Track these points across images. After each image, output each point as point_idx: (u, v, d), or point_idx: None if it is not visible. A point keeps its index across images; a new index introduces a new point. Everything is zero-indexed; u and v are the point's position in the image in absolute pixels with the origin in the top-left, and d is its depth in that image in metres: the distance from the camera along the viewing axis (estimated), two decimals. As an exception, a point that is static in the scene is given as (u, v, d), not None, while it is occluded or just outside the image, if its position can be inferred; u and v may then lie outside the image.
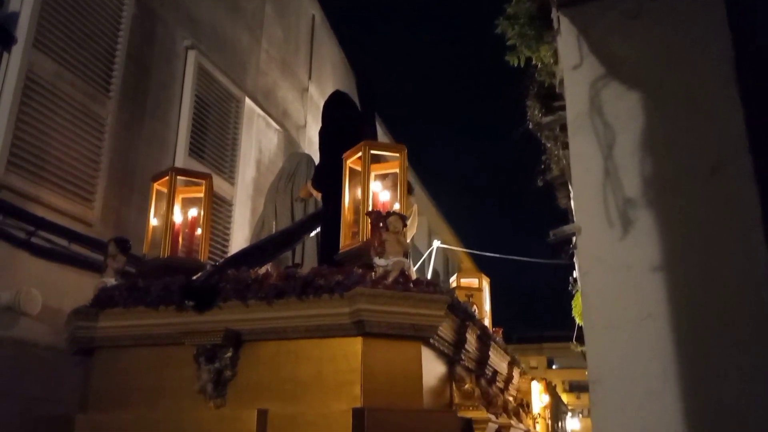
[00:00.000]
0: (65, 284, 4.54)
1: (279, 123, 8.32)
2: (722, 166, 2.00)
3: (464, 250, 17.65)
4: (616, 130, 2.11)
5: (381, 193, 3.61)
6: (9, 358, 4.11)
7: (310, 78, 9.62)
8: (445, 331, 3.19)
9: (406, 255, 3.19)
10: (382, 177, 3.68)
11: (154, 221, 3.80)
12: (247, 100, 7.45)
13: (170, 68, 6.19)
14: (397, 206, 3.59)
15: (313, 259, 4.58)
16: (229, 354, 3.03)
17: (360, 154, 3.55)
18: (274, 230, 4.74)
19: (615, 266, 2.02)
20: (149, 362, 3.19)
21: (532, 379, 7.93)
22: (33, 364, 4.23)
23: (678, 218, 1.99)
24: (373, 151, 3.54)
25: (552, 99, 4.91)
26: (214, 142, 6.70)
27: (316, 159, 4.85)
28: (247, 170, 7.34)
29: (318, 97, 9.77)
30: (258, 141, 7.74)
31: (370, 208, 3.45)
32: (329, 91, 10.13)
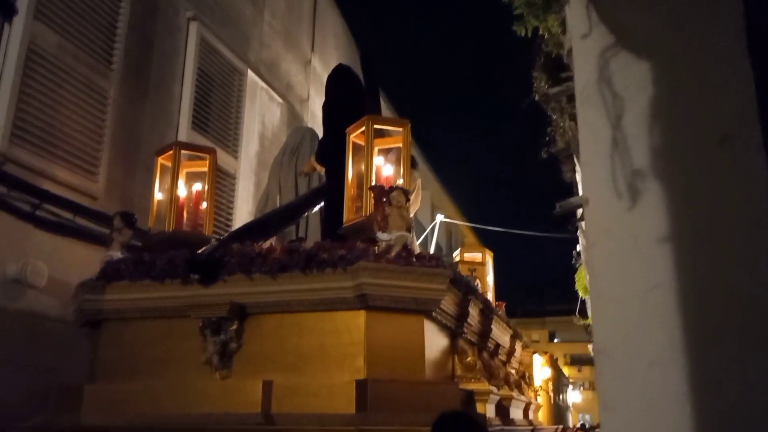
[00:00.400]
0: (71, 257, 4.56)
1: (282, 96, 8.26)
2: (731, 137, 1.99)
3: (467, 224, 17.66)
4: (625, 100, 2.09)
5: (384, 168, 3.62)
6: (18, 329, 4.17)
7: (313, 50, 9.50)
8: (448, 304, 3.23)
9: (408, 229, 3.22)
10: (386, 151, 3.69)
11: (158, 195, 3.82)
12: (250, 73, 7.37)
13: (173, 40, 6.12)
14: (400, 181, 3.61)
15: (316, 233, 4.60)
16: (234, 326, 3.08)
17: (363, 128, 3.55)
18: (278, 204, 4.75)
19: (622, 237, 2.01)
20: (155, 334, 3.25)
21: (534, 352, 8.01)
22: (41, 335, 4.28)
23: (686, 189, 1.99)
24: (376, 126, 3.53)
25: (559, 70, 4.87)
26: (218, 116, 6.65)
27: (320, 133, 4.85)
28: (250, 144, 7.30)
29: (321, 70, 9.66)
30: (261, 114, 7.69)
31: (373, 183, 3.46)
32: (332, 63, 10.06)
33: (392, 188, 3.24)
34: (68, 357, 4.30)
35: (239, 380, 3.02)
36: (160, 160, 3.87)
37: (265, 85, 7.76)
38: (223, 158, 6.48)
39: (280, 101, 8.23)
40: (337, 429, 2.63)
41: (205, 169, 3.83)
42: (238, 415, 2.84)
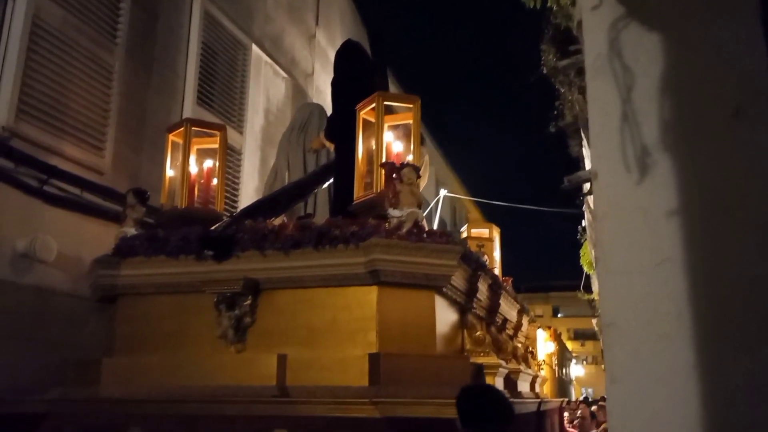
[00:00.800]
0: (79, 232, 4.61)
1: (287, 71, 8.22)
2: (743, 110, 1.96)
3: (472, 198, 17.67)
4: (636, 73, 2.05)
5: (394, 144, 3.65)
6: (27, 304, 4.23)
7: (317, 24, 9.41)
8: (458, 280, 3.29)
9: (419, 206, 3.26)
10: (395, 128, 3.71)
11: (170, 172, 3.86)
12: (255, 48, 7.34)
13: (177, 14, 6.09)
14: (410, 157, 3.64)
15: (324, 209, 4.65)
16: (248, 302, 3.14)
17: (374, 105, 3.57)
18: (286, 181, 4.79)
19: (631, 211, 1.98)
20: (171, 309, 3.32)
21: (538, 327, 8.10)
22: (51, 309, 4.35)
23: (697, 162, 1.96)
24: (386, 103, 3.55)
25: (568, 43, 4.83)
26: (222, 91, 6.65)
27: (328, 109, 4.86)
28: (255, 119, 7.29)
29: (326, 44, 9.58)
30: (266, 89, 7.67)
31: (383, 160, 3.49)
32: (337, 37, 10.01)
33: (403, 165, 3.27)
34: (77, 331, 4.35)
35: (254, 354, 3.10)
36: (171, 137, 3.90)
37: (269, 60, 7.73)
38: (229, 134, 6.49)
39: (285, 76, 8.20)
40: (350, 401, 2.70)
41: (216, 145, 3.85)
42: (254, 387, 2.92)
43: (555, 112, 6.46)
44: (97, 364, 3.28)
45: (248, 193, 6.79)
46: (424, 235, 3.10)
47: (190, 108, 6.05)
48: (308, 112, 5.17)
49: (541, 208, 15.63)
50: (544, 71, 5.42)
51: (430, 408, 2.55)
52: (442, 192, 14.53)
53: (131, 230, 3.49)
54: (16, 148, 4.21)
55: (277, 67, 7.98)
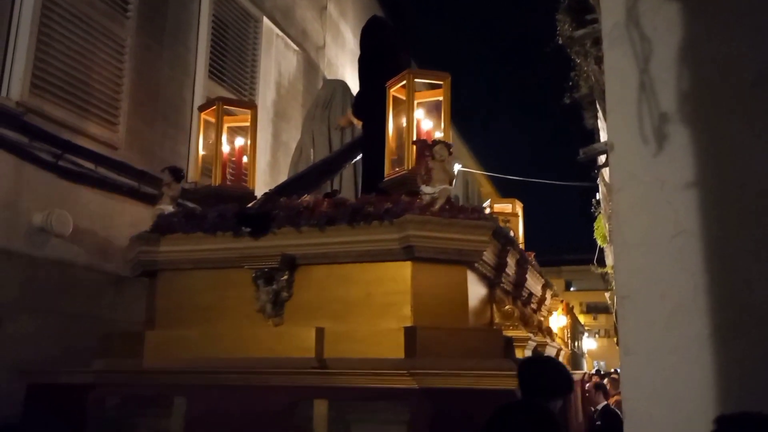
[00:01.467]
0: (94, 206, 4.68)
1: (298, 44, 8.18)
2: (763, 80, 1.93)
3: (484, 173, 17.66)
4: (654, 42, 2.03)
5: (424, 122, 3.70)
6: (46, 277, 4.30)
7: (328, -5, 9.42)
8: (488, 255, 3.38)
9: (451, 182, 3.33)
10: (425, 105, 3.76)
11: (202, 150, 3.94)
12: (266, 20, 7.29)
13: None
14: (439, 134, 3.69)
15: (349, 185, 4.73)
16: (285, 276, 3.25)
17: (404, 82, 3.61)
18: (312, 158, 4.86)
19: (648, 183, 1.99)
20: (209, 284, 3.44)
21: (561, 300, 8.17)
22: (69, 282, 4.43)
23: (715, 133, 1.95)
24: (416, 80, 3.60)
25: (584, 12, 4.78)
26: (234, 64, 6.65)
27: (351, 86, 4.90)
28: (267, 93, 7.28)
29: (337, 17, 9.47)
30: (277, 63, 7.65)
31: (414, 137, 3.55)
32: (348, 9, 9.94)
33: (435, 142, 3.33)
34: (96, 304, 4.51)
35: (291, 327, 3.22)
36: (203, 115, 3.98)
37: (280, 33, 7.68)
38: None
39: (296, 49, 8.15)
40: (388, 373, 2.80)
41: (247, 123, 3.92)
42: (293, 359, 3.04)
43: (570, 83, 6.42)
44: (140, 336, 3.41)
45: (261, 168, 6.82)
46: (457, 211, 3.17)
47: (201, 82, 6.08)
48: (332, 88, 5.23)
49: (555, 182, 15.59)
50: (560, 41, 5.36)
51: (467, 379, 2.66)
52: (456, 166, 14.51)
53: (168, 207, 3.60)
54: (30, 123, 4.24)
55: (289, 40, 7.93)
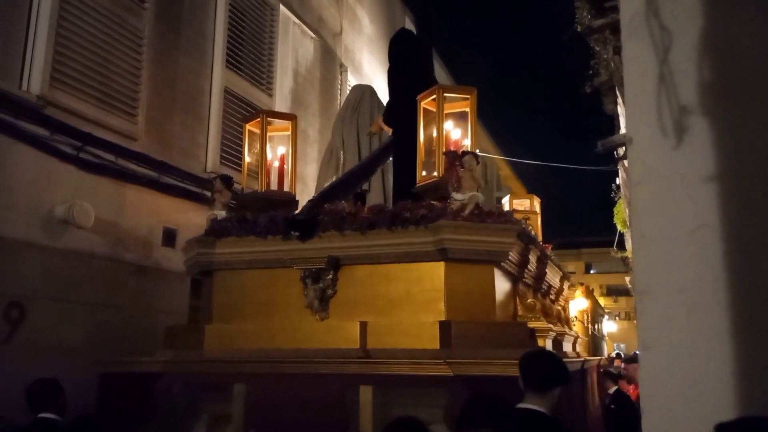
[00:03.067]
0: (115, 197, 4.91)
1: (314, 31, 8.33)
2: None
3: (504, 158, 17.93)
4: (674, 32, 2.00)
5: (452, 132, 4.07)
6: (68, 267, 4.47)
7: (344, -20, 9.47)
8: (513, 254, 3.77)
9: (479, 189, 3.71)
10: (452, 115, 4.12)
11: (248, 158, 4.35)
12: (282, 8, 7.43)
13: None
14: (466, 142, 4.07)
15: (377, 185, 5.15)
16: (330, 276, 3.68)
17: (434, 96, 3.98)
18: (341, 159, 5.24)
19: (668, 176, 1.96)
20: (260, 282, 3.88)
21: (576, 291, 8.50)
22: (91, 273, 4.67)
23: (736, 126, 1.92)
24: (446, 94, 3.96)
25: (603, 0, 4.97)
26: (251, 53, 6.80)
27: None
28: (284, 81, 7.46)
29: (354, 2, 9.63)
30: (294, 50, 7.82)
31: (444, 147, 3.92)
32: (364, -8, 10.00)
33: (464, 153, 3.71)
34: (118, 294, 4.79)
35: (337, 321, 3.66)
36: (248, 126, 4.39)
37: (297, 20, 7.83)
38: (258, 96, 6.78)
39: (313, 36, 8.31)
40: (426, 362, 3.21)
41: (288, 133, 4.32)
42: (341, 350, 3.47)
43: (590, 72, 6.63)
44: (200, 330, 3.86)
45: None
46: (486, 216, 3.55)
47: (219, 71, 6.25)
48: (360, 93, 5.60)
49: (574, 166, 15.81)
50: (579, 29, 5.49)
51: (497, 367, 3.06)
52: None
53: (221, 213, 4.03)
54: (51, 116, 4.39)
55: (305, 27, 8.07)
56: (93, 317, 4.60)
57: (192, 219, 5.57)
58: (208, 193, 5.67)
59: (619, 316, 34.19)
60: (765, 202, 1.88)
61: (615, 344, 27.46)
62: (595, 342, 20.01)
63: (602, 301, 30.76)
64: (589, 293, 18.36)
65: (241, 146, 6.16)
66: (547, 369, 2.62)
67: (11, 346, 4.09)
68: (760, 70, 1.95)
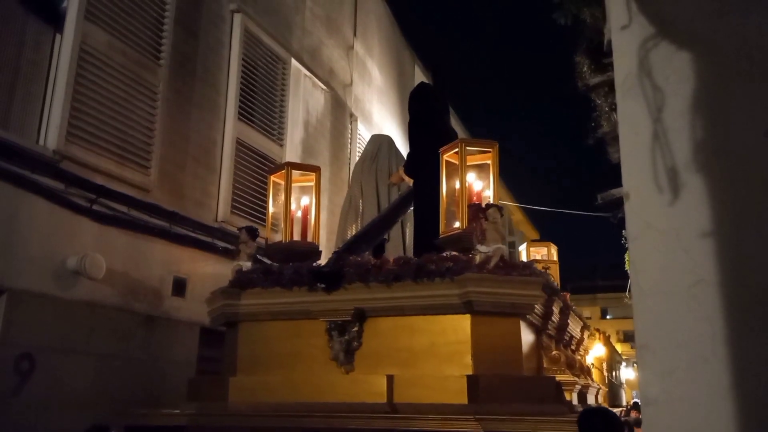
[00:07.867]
0: (127, 248, 5.11)
1: (325, 83, 8.72)
2: None
3: (517, 204, 18.17)
4: (666, 92, 2.10)
5: (474, 184, 4.24)
6: (80, 318, 4.63)
7: (355, 35, 9.92)
8: (537, 306, 3.88)
9: (503, 241, 3.85)
10: (474, 168, 4.30)
11: (272, 209, 4.53)
12: (294, 61, 7.84)
13: (217, 32, 6.57)
14: (488, 192, 4.23)
15: (396, 234, 5.32)
16: (356, 328, 3.82)
17: (456, 149, 4.17)
18: (361, 208, 5.43)
19: (664, 232, 2.03)
20: (286, 334, 4.02)
21: (596, 341, 8.58)
22: (101, 323, 4.83)
23: (730, 183, 2.00)
24: (468, 147, 4.15)
25: (602, 55, 5.19)
26: (263, 105, 7.14)
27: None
28: (295, 132, 7.80)
29: (364, 54, 10.12)
30: (305, 101, 8.16)
31: (466, 199, 4.08)
32: (375, 45, 10.58)
33: (489, 206, 3.86)
34: (127, 345, 4.94)
35: (362, 374, 3.77)
36: (273, 178, 4.58)
37: (308, 73, 8.22)
38: (269, 146, 7.12)
39: (324, 87, 8.68)
40: (455, 417, 3.30)
41: (312, 183, 4.50)
42: (367, 404, 3.56)
43: (593, 124, 6.84)
44: (225, 382, 3.96)
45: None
46: (511, 269, 3.68)
47: (231, 123, 6.57)
48: (378, 143, 5.86)
49: (584, 213, 16.00)
50: (579, 85, 5.71)
51: (528, 424, 3.16)
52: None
53: (246, 264, 4.18)
54: (65, 170, 4.63)
55: (316, 80, 8.46)
56: (102, 368, 4.73)
57: (202, 268, 5.84)
58: (219, 243, 5.92)
59: (636, 362, 33.84)
60: (761, 257, 1.95)
61: (633, 392, 27.12)
62: (613, 390, 19.82)
63: (619, 347, 30.49)
64: (606, 340, 18.27)
65: (253, 196, 6.53)
66: (609, 426, 2.76)
67: (20, 398, 4.21)
68: (750, 128, 2.04)
